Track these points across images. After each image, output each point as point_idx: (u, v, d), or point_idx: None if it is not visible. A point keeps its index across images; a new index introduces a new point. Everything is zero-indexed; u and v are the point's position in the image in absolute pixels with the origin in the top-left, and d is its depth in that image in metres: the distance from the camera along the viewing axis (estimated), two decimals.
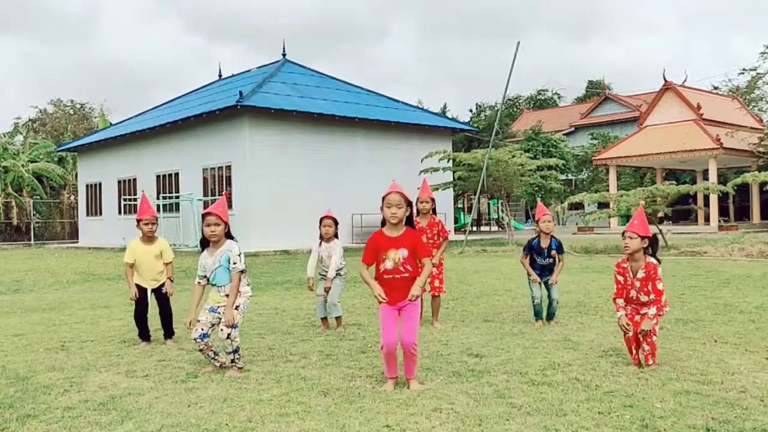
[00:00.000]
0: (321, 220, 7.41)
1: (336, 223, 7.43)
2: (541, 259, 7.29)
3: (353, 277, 12.22)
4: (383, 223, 4.99)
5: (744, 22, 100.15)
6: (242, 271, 5.47)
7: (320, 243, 7.43)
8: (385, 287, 4.89)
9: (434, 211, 7.45)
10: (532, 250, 7.33)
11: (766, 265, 13.38)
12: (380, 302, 4.86)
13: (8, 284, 13.64)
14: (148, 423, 4.14)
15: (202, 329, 5.41)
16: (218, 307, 5.48)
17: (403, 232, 4.93)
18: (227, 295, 5.43)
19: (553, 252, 7.27)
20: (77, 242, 33.49)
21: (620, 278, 5.45)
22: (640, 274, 5.32)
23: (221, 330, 5.32)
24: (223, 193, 5.62)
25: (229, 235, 5.56)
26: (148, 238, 6.84)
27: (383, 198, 4.93)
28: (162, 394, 4.78)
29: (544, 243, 7.28)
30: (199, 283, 5.59)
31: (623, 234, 5.40)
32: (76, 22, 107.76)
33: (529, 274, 7.34)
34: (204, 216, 5.54)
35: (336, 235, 7.45)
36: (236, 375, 5.27)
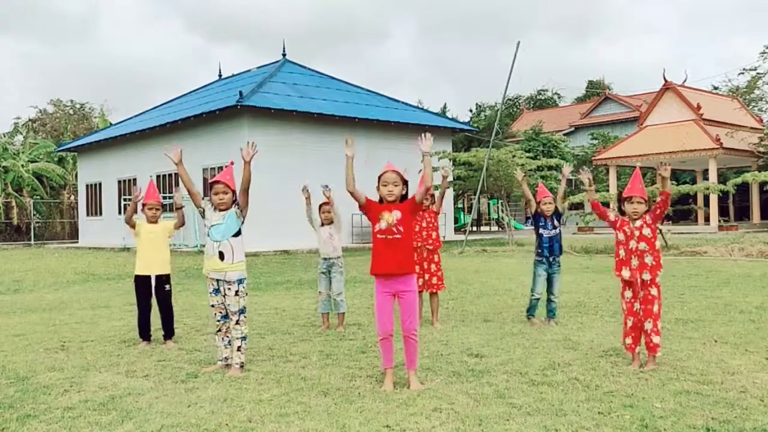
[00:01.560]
0: (320, 206, 7.53)
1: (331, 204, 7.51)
2: (547, 230, 7.37)
3: (353, 277, 12.22)
4: (380, 202, 5.02)
5: (744, 22, 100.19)
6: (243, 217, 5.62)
7: (321, 224, 7.57)
8: (379, 247, 4.91)
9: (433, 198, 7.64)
10: (537, 221, 7.40)
11: (766, 265, 13.38)
12: (347, 151, 4.92)
13: (8, 284, 13.63)
14: (148, 423, 4.14)
15: (221, 312, 5.58)
16: (219, 282, 5.50)
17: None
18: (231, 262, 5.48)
19: (557, 222, 7.38)
20: (77, 242, 33.47)
21: (621, 236, 5.46)
22: (638, 223, 5.40)
23: (231, 320, 5.48)
24: (229, 161, 5.64)
25: (236, 204, 5.63)
26: (152, 222, 7.05)
27: (379, 177, 4.97)
28: (162, 394, 4.78)
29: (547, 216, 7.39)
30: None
31: (630, 198, 5.41)
32: (76, 22, 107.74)
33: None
34: (212, 185, 5.56)
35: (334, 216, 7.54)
36: (236, 375, 5.28)
